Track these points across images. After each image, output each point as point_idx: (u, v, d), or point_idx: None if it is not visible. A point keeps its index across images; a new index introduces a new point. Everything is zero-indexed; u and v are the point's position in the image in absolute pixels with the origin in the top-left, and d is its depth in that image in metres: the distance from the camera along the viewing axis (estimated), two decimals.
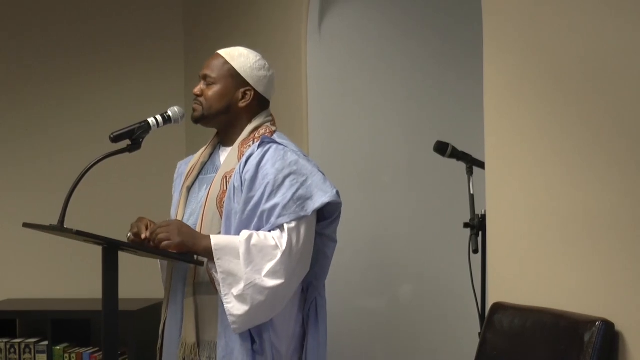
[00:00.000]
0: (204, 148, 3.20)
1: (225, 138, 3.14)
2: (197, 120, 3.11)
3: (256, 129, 3.08)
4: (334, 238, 3.10)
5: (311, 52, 4.25)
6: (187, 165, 3.23)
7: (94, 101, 5.32)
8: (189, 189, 3.13)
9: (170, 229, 2.89)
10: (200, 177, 3.14)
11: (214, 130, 3.19)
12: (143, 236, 2.94)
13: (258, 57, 3.12)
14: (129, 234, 2.99)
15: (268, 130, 3.08)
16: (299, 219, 2.92)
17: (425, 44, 4.45)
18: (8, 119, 5.34)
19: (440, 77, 4.45)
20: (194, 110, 3.10)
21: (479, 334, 3.08)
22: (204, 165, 3.16)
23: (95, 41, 5.34)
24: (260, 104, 3.11)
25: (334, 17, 4.31)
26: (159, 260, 3.23)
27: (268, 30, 4.58)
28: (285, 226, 2.91)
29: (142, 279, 4.41)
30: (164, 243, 2.86)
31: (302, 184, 2.94)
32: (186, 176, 3.17)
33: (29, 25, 5.35)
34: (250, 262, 2.88)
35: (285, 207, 2.91)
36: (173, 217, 3.14)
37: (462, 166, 3.71)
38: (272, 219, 2.91)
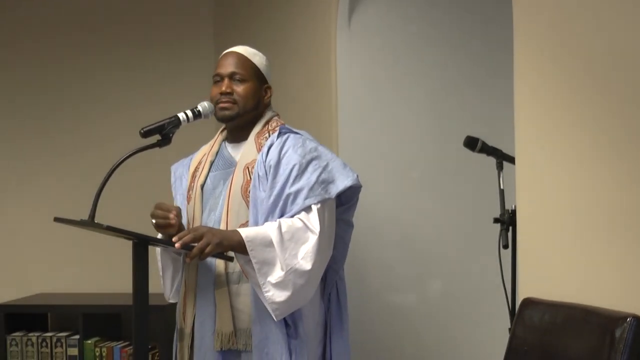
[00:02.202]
0: (209, 147, 3.24)
1: (236, 135, 3.19)
2: (230, 119, 3.14)
3: (267, 122, 3.18)
4: (351, 223, 3.21)
5: (341, 46, 4.25)
6: (184, 167, 3.28)
7: (124, 97, 5.35)
8: (202, 187, 3.16)
9: (204, 232, 2.90)
10: (212, 174, 3.18)
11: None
12: (171, 215, 2.96)
13: (264, 55, 3.24)
14: (153, 221, 3.01)
15: (279, 123, 3.18)
16: (323, 201, 3.01)
17: (455, 38, 4.43)
18: (39, 115, 5.38)
19: (470, 71, 4.42)
20: (226, 109, 3.11)
21: (509, 329, 3.07)
22: (211, 164, 3.19)
23: (127, 39, 5.37)
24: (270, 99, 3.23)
25: (363, 12, 4.30)
26: (160, 264, 3.24)
27: (298, 26, 4.58)
28: (314, 207, 2.99)
29: None
30: (208, 249, 2.87)
31: (324, 169, 3.03)
32: (192, 176, 3.20)
33: (62, 24, 5.39)
34: (286, 249, 2.94)
35: (311, 189, 2.99)
36: (185, 218, 3.17)
37: (492, 161, 3.70)
38: (299, 200, 2.98)
